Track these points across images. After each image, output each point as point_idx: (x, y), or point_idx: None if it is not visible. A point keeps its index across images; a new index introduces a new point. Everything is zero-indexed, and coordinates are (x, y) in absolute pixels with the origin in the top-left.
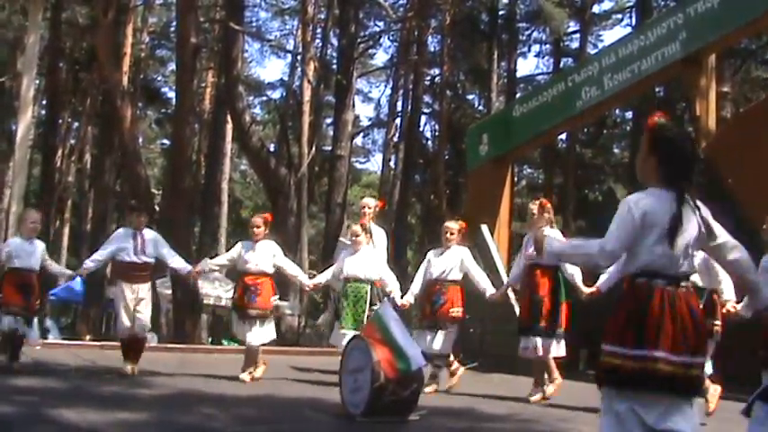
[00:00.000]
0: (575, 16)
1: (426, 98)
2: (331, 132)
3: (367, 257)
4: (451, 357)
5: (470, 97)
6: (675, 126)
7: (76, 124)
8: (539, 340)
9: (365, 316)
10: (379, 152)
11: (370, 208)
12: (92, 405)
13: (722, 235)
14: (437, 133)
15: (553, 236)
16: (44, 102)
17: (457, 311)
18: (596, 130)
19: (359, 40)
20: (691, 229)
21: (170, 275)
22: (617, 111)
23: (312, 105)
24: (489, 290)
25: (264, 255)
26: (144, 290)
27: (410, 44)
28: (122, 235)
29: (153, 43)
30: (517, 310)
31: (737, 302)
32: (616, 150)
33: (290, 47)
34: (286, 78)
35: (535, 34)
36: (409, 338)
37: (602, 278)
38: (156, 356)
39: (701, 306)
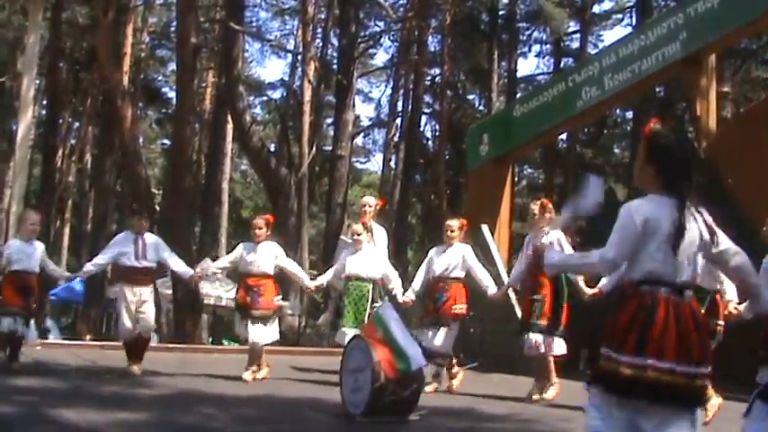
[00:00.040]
0: (575, 16)
1: (427, 98)
2: (331, 132)
3: (368, 256)
4: (454, 360)
5: (471, 97)
6: (672, 132)
7: (77, 124)
8: (540, 336)
9: (366, 314)
10: (380, 152)
11: (370, 206)
12: (92, 405)
13: (724, 241)
14: (437, 133)
15: (555, 236)
16: (44, 102)
17: (460, 308)
18: (597, 130)
19: (359, 40)
20: (694, 235)
21: (171, 276)
22: (617, 111)
23: (312, 105)
24: (491, 288)
25: (266, 256)
26: (146, 292)
27: (410, 44)
28: (123, 239)
29: (153, 43)
30: (517, 309)
31: (740, 303)
32: (616, 150)
33: (290, 47)
34: (286, 78)
35: (535, 34)
36: (409, 338)
37: (605, 280)
38: (157, 356)
39: (704, 308)
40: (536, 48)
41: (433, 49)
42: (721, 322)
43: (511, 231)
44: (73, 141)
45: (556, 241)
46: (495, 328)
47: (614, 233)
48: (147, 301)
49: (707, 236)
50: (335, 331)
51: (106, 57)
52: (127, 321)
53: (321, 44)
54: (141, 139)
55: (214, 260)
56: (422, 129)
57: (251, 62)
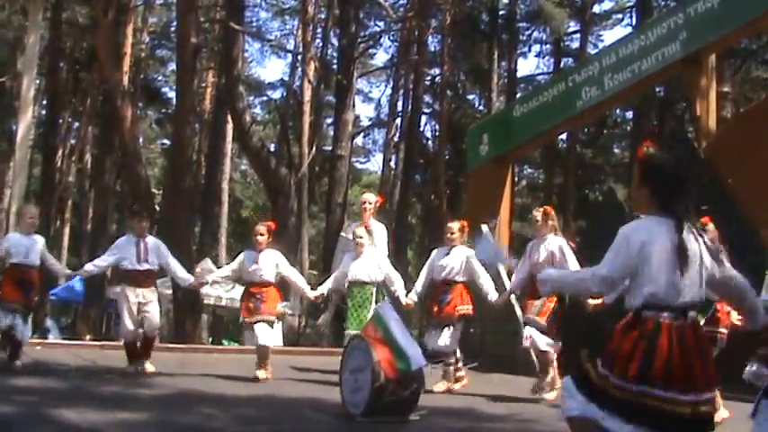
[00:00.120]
0: (575, 16)
1: (426, 98)
2: (331, 132)
3: (370, 259)
4: (460, 363)
5: (471, 97)
6: (666, 153)
7: (77, 124)
8: (534, 332)
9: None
10: (380, 152)
11: (370, 204)
12: (92, 405)
13: (724, 265)
14: (437, 133)
15: (557, 244)
16: (44, 102)
17: (465, 309)
18: (596, 130)
19: (359, 40)
20: (695, 256)
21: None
22: (617, 111)
23: (312, 105)
24: (492, 294)
25: (268, 264)
26: (149, 293)
27: (410, 44)
28: (125, 243)
29: (153, 43)
30: (518, 310)
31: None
32: (616, 150)
33: (290, 47)
34: (286, 78)
35: (535, 34)
36: (409, 338)
37: None
38: (157, 356)
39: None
40: (536, 48)
41: (433, 49)
42: (724, 330)
43: (510, 231)
44: (73, 141)
45: (558, 249)
46: (495, 329)
47: (609, 252)
48: (152, 302)
49: (707, 259)
50: (335, 331)
51: (106, 57)
52: (128, 322)
53: (321, 44)
54: (141, 139)
55: (214, 260)
56: (422, 129)
57: (251, 62)
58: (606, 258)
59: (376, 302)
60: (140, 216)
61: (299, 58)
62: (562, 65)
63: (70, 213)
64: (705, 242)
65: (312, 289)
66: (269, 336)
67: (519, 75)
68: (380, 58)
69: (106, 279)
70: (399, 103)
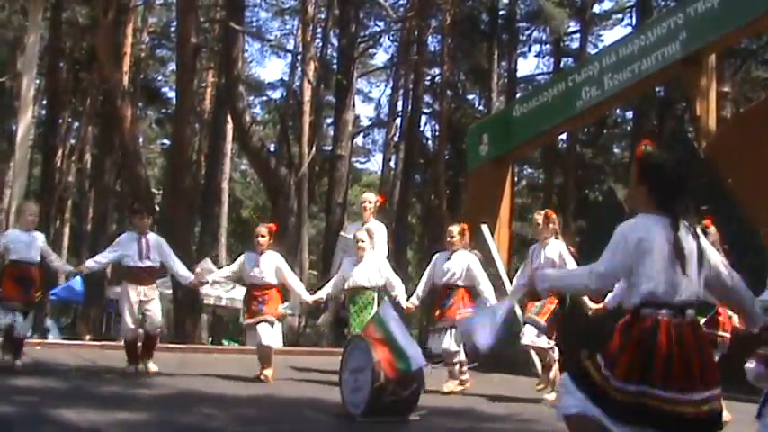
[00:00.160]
0: (575, 16)
1: (426, 98)
2: (331, 132)
3: (371, 264)
4: (465, 367)
5: (470, 97)
6: (664, 152)
7: (77, 124)
8: (530, 329)
9: None
10: (380, 152)
11: (370, 203)
12: (92, 405)
13: (721, 265)
14: (437, 133)
15: (558, 248)
16: (44, 102)
17: (466, 312)
18: (596, 130)
19: (359, 39)
20: (692, 255)
21: (170, 276)
22: (617, 111)
23: (312, 105)
24: (493, 300)
25: (269, 267)
26: (151, 291)
27: (410, 44)
28: (126, 240)
29: (153, 43)
30: (518, 310)
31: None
32: (616, 150)
33: (290, 47)
34: (286, 78)
35: (535, 34)
36: (409, 338)
37: (610, 295)
38: (157, 356)
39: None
40: (536, 48)
41: (433, 49)
42: (726, 334)
43: (510, 231)
44: (73, 141)
45: (558, 255)
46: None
47: (606, 250)
48: (153, 299)
49: (707, 257)
50: (335, 332)
51: (106, 57)
52: (129, 320)
53: (321, 44)
54: (141, 139)
55: (214, 260)
56: (422, 129)
57: (251, 62)
58: (604, 256)
59: (378, 304)
60: (141, 213)
61: (299, 58)
62: (562, 65)
63: (70, 213)
64: (702, 243)
65: (312, 292)
66: (271, 336)
67: (519, 75)
68: (380, 58)
69: (106, 279)
70: (399, 103)
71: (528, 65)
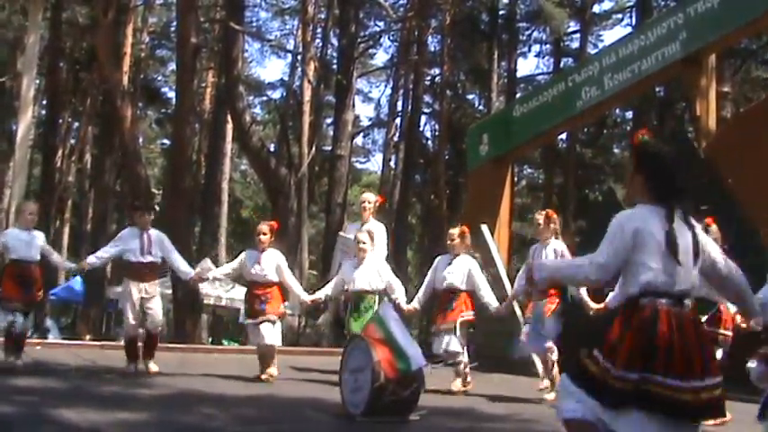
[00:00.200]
0: (575, 16)
1: (426, 98)
2: (331, 132)
3: (372, 267)
4: (467, 369)
5: (470, 97)
6: (661, 142)
7: (77, 124)
8: (528, 327)
9: None
10: (380, 152)
11: (370, 203)
12: (92, 405)
13: (717, 255)
14: (437, 133)
15: (558, 247)
16: (44, 102)
17: (468, 315)
18: (596, 130)
19: (359, 39)
20: (687, 244)
21: (170, 275)
22: (617, 111)
23: (312, 105)
24: (494, 304)
25: (270, 264)
26: (152, 288)
27: (410, 44)
28: (128, 235)
29: (153, 43)
30: (517, 310)
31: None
32: (616, 150)
33: (290, 47)
34: (286, 78)
35: (535, 34)
36: (409, 338)
37: (611, 295)
38: (157, 356)
39: (708, 316)
40: (536, 48)
41: (433, 49)
42: (727, 332)
43: (510, 231)
44: (73, 141)
45: (558, 252)
46: (496, 329)
47: (604, 241)
48: (155, 297)
49: (705, 249)
50: (335, 332)
51: (106, 57)
52: (130, 317)
53: (321, 44)
54: (141, 139)
55: (214, 260)
56: (422, 129)
57: (251, 62)
58: (602, 246)
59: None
60: (142, 209)
61: (299, 58)
62: (562, 65)
63: (70, 213)
64: (697, 233)
65: (311, 292)
66: (274, 335)
67: (519, 75)
68: (380, 58)
69: (106, 279)
70: (399, 103)
71: (528, 65)
